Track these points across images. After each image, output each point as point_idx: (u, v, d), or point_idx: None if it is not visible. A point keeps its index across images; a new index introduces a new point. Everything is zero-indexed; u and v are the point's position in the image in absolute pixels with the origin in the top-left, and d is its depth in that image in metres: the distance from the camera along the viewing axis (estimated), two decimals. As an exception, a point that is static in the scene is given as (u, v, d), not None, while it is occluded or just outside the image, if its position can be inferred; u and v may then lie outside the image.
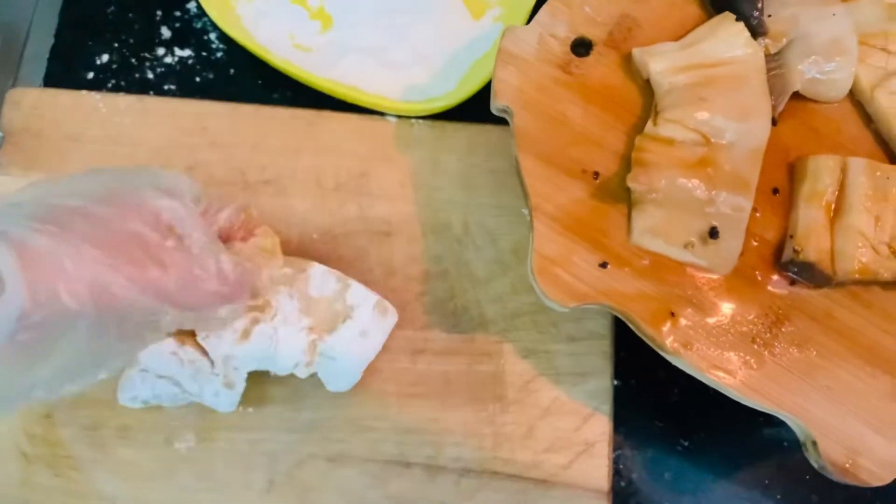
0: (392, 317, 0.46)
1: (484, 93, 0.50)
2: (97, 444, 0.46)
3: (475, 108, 0.51)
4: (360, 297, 0.45)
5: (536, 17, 0.42)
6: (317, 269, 0.46)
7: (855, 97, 0.42)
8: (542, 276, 0.38)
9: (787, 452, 0.50)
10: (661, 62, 0.40)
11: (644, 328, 0.38)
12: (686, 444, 0.50)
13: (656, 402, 0.50)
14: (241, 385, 0.44)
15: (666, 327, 0.38)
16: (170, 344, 0.43)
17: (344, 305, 0.45)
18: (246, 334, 0.44)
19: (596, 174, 0.40)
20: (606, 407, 0.47)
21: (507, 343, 0.48)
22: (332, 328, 0.45)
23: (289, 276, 0.45)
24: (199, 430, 0.46)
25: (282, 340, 0.44)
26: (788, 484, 0.49)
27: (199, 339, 0.43)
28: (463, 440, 0.46)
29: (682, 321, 0.38)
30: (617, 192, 0.40)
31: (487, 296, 0.49)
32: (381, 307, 0.46)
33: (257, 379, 0.46)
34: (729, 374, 0.38)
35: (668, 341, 0.38)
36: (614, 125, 0.41)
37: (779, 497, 0.49)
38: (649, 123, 0.40)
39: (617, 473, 0.48)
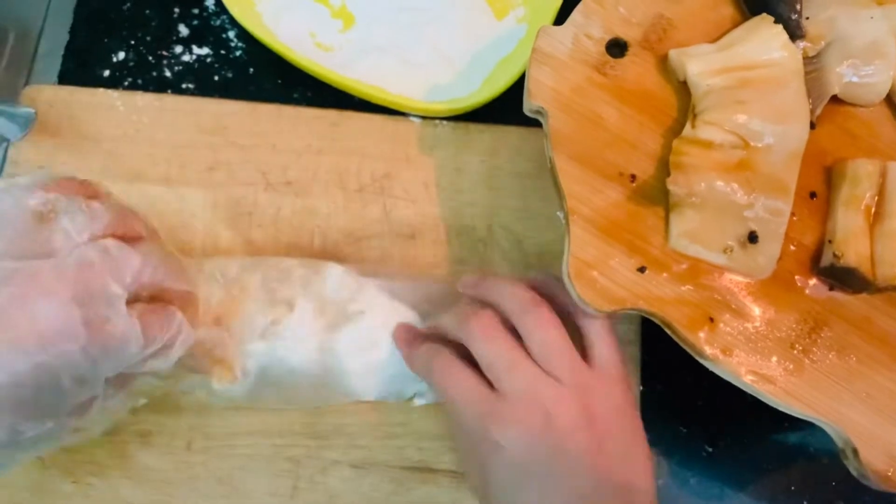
0: None
1: (508, 94, 0.50)
2: (117, 450, 0.44)
3: (499, 110, 0.51)
4: (372, 297, 0.45)
5: (571, 17, 0.41)
6: (333, 270, 0.46)
7: (892, 101, 0.41)
8: (578, 280, 0.38)
9: (813, 458, 0.50)
10: (698, 64, 0.39)
11: (682, 333, 0.37)
12: (711, 449, 0.49)
13: (681, 407, 0.50)
14: (253, 374, 0.44)
15: (704, 333, 0.38)
16: None
17: (357, 306, 0.45)
18: (262, 332, 0.44)
19: (633, 177, 0.39)
20: (634, 412, 0.47)
21: (534, 347, 0.47)
22: (343, 327, 0.45)
23: (305, 277, 0.45)
24: (222, 436, 0.45)
25: (294, 339, 0.44)
26: (814, 490, 0.49)
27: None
28: (490, 446, 0.45)
29: (721, 326, 0.38)
30: (654, 195, 0.39)
31: (513, 299, 0.48)
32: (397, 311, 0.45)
33: (278, 383, 0.45)
34: (768, 380, 0.37)
35: (707, 347, 0.37)
36: (650, 127, 0.40)
37: (805, 503, 0.49)
38: (687, 126, 0.39)
39: (642, 479, 0.48)
